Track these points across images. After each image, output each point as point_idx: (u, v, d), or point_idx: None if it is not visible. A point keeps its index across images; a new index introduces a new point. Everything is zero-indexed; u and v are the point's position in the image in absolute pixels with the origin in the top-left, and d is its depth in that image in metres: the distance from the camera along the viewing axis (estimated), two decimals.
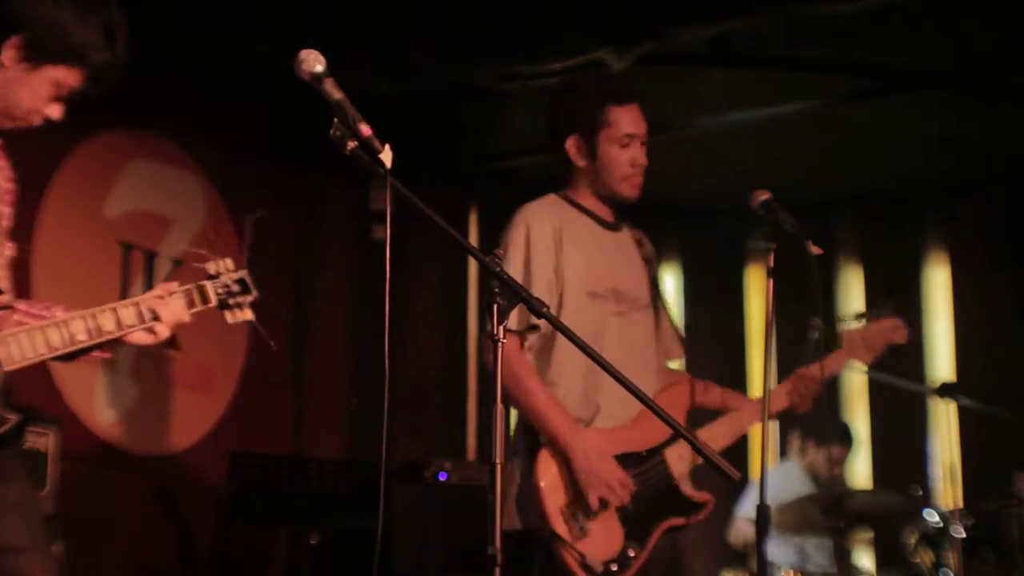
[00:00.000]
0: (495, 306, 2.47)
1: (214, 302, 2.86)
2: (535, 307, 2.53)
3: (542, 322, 3.45)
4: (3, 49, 2.62)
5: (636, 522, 3.47)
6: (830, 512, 5.30)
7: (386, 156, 2.44)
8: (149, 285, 5.40)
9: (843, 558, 5.49)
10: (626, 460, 3.49)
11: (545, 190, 3.83)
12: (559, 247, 3.60)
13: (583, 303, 3.58)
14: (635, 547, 3.45)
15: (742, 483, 5.86)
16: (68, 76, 2.68)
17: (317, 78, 2.47)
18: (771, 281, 3.46)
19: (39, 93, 2.68)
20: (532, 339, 3.56)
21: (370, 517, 2.51)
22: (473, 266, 7.08)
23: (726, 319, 7.58)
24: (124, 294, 5.29)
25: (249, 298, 2.91)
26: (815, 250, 3.42)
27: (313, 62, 2.48)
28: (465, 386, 7.11)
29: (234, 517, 5.20)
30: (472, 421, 7.04)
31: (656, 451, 3.54)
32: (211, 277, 2.88)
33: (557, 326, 2.64)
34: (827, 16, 5.06)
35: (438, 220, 2.48)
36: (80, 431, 4.99)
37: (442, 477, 5.35)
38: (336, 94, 2.47)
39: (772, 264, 3.46)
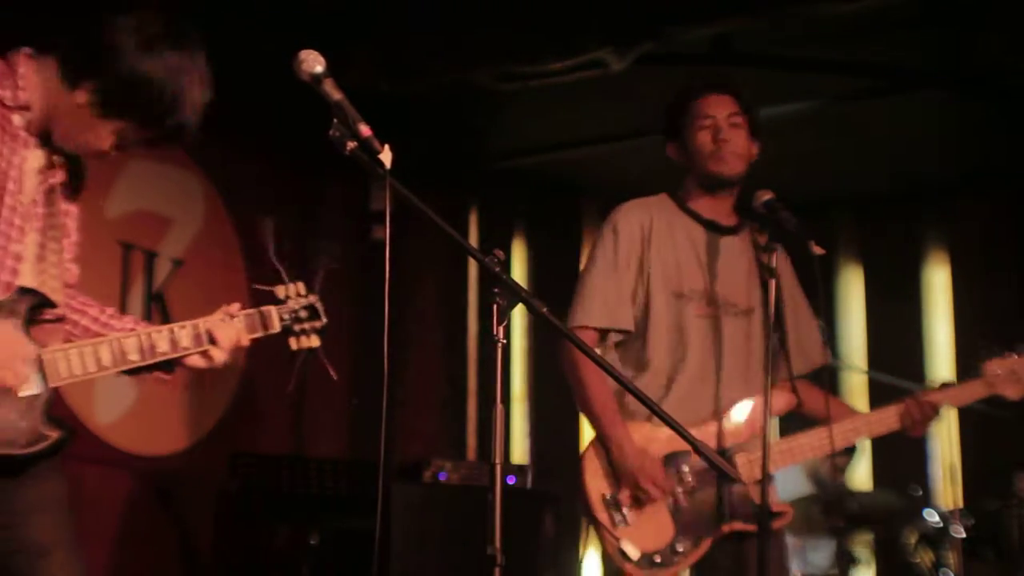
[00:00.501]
0: (495, 306, 2.47)
1: (277, 328, 2.85)
2: (535, 307, 2.54)
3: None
4: (78, 90, 2.59)
5: (691, 520, 3.49)
6: (830, 512, 5.31)
7: (385, 156, 2.45)
8: (149, 285, 5.40)
9: (843, 559, 5.49)
10: (683, 457, 3.51)
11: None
12: (646, 245, 3.65)
13: (668, 302, 3.63)
14: (686, 543, 3.45)
15: None
16: (132, 131, 2.64)
17: (317, 78, 2.47)
18: (772, 281, 3.46)
19: (102, 138, 2.64)
20: (618, 337, 3.61)
21: (370, 517, 2.52)
22: (473, 266, 7.08)
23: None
24: (124, 294, 5.29)
25: (318, 325, 2.90)
26: (817, 250, 3.41)
27: (313, 62, 2.48)
28: (465, 386, 7.10)
29: (234, 517, 5.20)
30: (472, 421, 7.04)
31: (723, 453, 3.51)
32: (278, 301, 2.85)
33: (557, 326, 2.64)
34: (827, 16, 5.06)
35: (438, 220, 2.48)
36: (80, 431, 4.98)
37: (442, 477, 5.35)
38: (336, 94, 2.47)
39: (773, 264, 3.46)
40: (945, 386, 3.75)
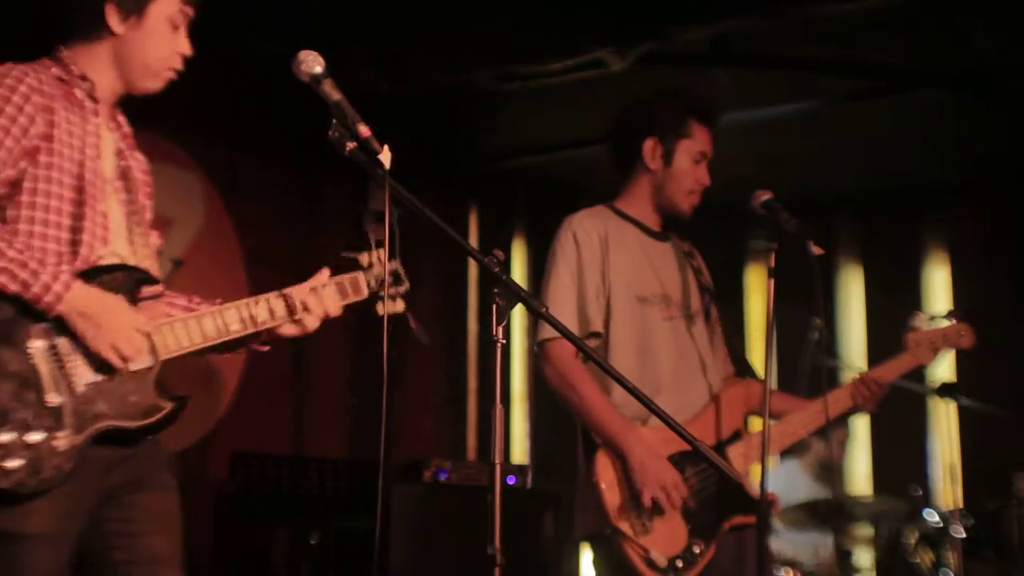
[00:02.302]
0: (494, 307, 2.47)
1: (366, 294, 2.89)
2: (535, 308, 2.53)
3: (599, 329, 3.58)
4: (107, 20, 2.66)
5: (700, 519, 3.48)
6: (831, 516, 5.31)
7: (385, 157, 2.45)
8: None
9: (843, 558, 5.49)
10: (684, 458, 3.49)
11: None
12: (605, 252, 3.63)
13: (632, 308, 3.61)
14: (700, 544, 3.46)
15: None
16: (171, 2, 2.71)
17: (316, 79, 2.48)
18: (772, 281, 3.46)
19: (161, 35, 2.72)
20: (591, 344, 3.58)
21: (370, 517, 2.52)
22: (473, 266, 7.08)
23: (726, 319, 7.57)
24: None
25: (402, 289, 2.93)
26: (816, 250, 3.42)
27: (312, 63, 2.48)
28: (465, 386, 7.11)
29: (234, 517, 5.20)
30: (472, 421, 7.04)
31: (716, 449, 3.52)
32: (363, 268, 2.89)
33: (557, 327, 2.64)
34: (827, 16, 5.06)
35: (438, 221, 2.48)
36: None
37: (442, 477, 5.35)
38: (335, 95, 2.47)
39: (773, 264, 3.47)
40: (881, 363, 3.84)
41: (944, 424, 5.42)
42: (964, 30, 5.34)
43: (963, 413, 5.21)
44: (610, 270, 3.62)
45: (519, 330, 7.27)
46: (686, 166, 3.67)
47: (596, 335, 3.59)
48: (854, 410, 3.76)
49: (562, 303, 3.59)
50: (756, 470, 3.60)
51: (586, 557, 6.51)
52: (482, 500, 2.46)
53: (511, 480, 5.51)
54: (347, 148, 2.45)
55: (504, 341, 2.47)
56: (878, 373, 3.76)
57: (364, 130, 2.44)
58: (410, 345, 5.74)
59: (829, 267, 7.27)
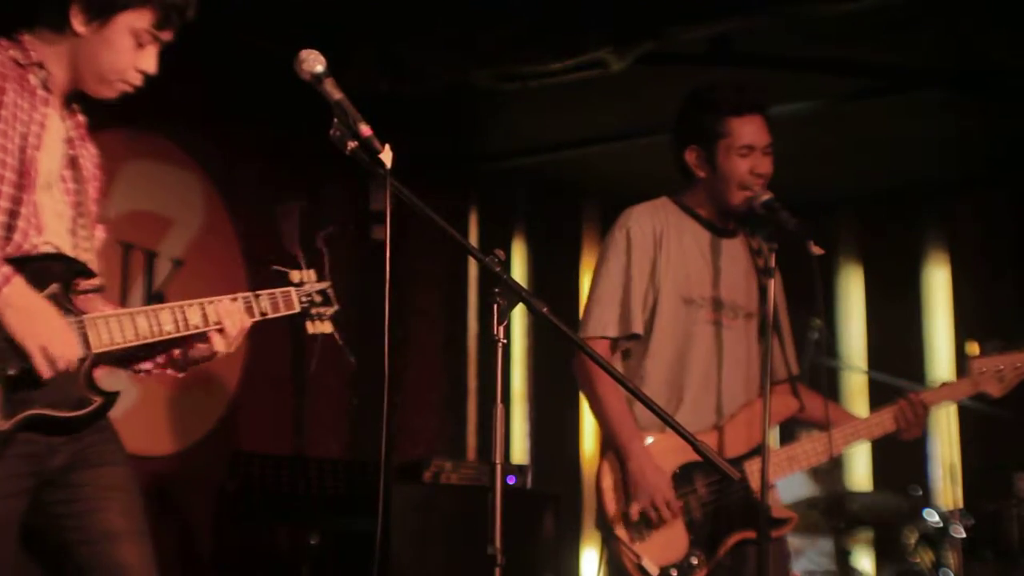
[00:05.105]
0: (495, 306, 2.47)
1: (296, 308, 2.90)
2: (535, 307, 2.53)
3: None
4: (71, 18, 2.65)
5: (705, 531, 3.47)
6: (831, 514, 5.31)
7: (386, 156, 2.45)
8: (149, 285, 5.39)
9: (843, 559, 5.49)
10: (696, 468, 3.48)
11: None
12: (657, 250, 3.62)
13: (677, 309, 3.60)
14: (700, 556, 3.44)
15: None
16: (139, 18, 2.68)
17: (317, 78, 2.48)
18: (771, 282, 3.45)
19: (121, 47, 2.69)
20: (628, 345, 3.59)
21: (370, 517, 2.52)
22: (473, 266, 7.08)
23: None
24: (124, 294, 5.29)
25: (331, 310, 2.93)
26: (817, 250, 3.40)
27: (313, 62, 2.49)
28: (465, 386, 7.10)
29: (234, 517, 5.20)
30: (472, 421, 7.04)
31: (734, 462, 3.50)
32: (295, 285, 2.90)
33: (558, 326, 2.63)
34: (827, 16, 5.06)
35: (438, 220, 2.48)
36: None
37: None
38: (336, 94, 2.48)
39: (773, 264, 3.46)
40: (938, 386, 3.77)
41: (944, 424, 5.42)
42: (964, 30, 5.33)
43: (963, 413, 5.21)
44: (660, 269, 3.60)
45: (519, 330, 7.27)
46: (733, 164, 3.60)
47: (634, 336, 3.58)
48: (896, 434, 3.69)
49: (608, 301, 3.59)
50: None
51: (587, 556, 6.52)
52: (482, 500, 2.46)
53: (511, 480, 5.51)
54: (348, 147, 2.45)
55: (505, 341, 2.48)
56: (928, 397, 3.69)
57: (365, 129, 2.44)
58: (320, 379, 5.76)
59: (829, 267, 7.26)
